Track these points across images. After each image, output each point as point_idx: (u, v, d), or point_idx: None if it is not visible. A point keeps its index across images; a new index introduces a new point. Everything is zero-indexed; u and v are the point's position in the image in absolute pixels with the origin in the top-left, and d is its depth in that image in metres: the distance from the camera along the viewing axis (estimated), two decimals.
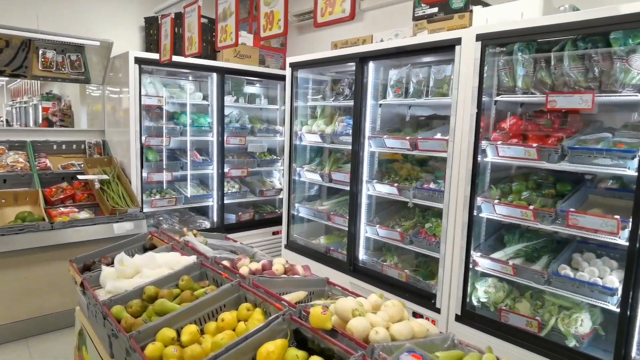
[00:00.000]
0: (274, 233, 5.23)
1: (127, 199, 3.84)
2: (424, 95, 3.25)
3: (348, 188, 3.76)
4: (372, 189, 3.54)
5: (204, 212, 4.94)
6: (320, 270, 3.89)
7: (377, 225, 3.48)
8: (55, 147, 4.28)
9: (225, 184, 4.79)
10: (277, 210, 5.40)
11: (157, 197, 4.41)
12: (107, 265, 2.28)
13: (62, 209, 3.60)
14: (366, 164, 3.59)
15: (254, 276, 1.92)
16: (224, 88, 4.60)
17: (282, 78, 5.03)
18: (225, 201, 4.78)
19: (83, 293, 2.13)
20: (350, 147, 3.69)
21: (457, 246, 2.85)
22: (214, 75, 4.57)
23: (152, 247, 2.57)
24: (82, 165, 4.09)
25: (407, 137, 3.22)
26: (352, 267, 3.67)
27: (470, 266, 2.83)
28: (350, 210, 3.64)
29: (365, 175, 3.59)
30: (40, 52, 4.41)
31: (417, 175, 3.46)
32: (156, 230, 4.30)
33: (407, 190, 3.25)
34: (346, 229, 3.80)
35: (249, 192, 5.08)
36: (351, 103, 3.75)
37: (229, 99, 4.72)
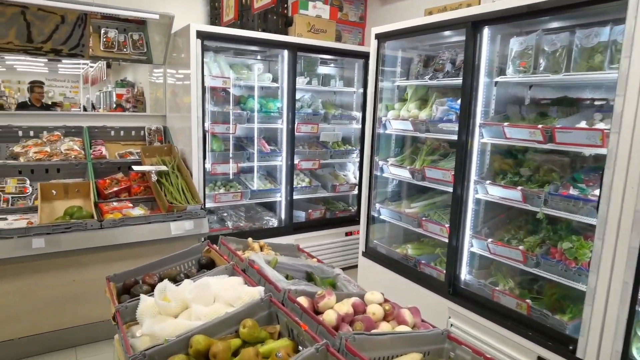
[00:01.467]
0: (347, 234, 4.59)
1: (187, 193, 3.36)
2: (562, 70, 2.41)
3: (445, 188, 3.01)
4: (483, 191, 2.77)
5: (270, 207, 4.40)
6: (408, 291, 3.19)
7: (489, 240, 2.71)
8: (113, 133, 3.91)
9: (294, 177, 4.21)
10: (350, 207, 4.75)
11: (222, 190, 3.92)
12: (152, 286, 1.74)
13: (115, 204, 3.19)
14: (475, 160, 2.81)
15: (347, 334, 1.27)
16: (296, 68, 3.98)
17: (362, 56, 4.35)
18: (294, 196, 4.20)
19: (117, 327, 1.61)
20: (451, 137, 2.94)
21: (618, 280, 2.03)
22: (285, 52, 3.97)
23: (210, 264, 2.01)
24: (140, 154, 3.67)
25: (540, 126, 2.40)
26: (451, 289, 2.93)
27: (638, 309, 2.01)
28: (453, 218, 2.89)
29: (473, 174, 2.82)
30: (102, 31, 4.04)
31: (544, 178, 2.63)
32: (219, 228, 3.86)
33: (536, 196, 2.45)
34: (440, 238, 3.07)
35: (320, 187, 4.46)
36: (453, 82, 2.99)
37: (300, 81, 4.10)
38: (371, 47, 3.46)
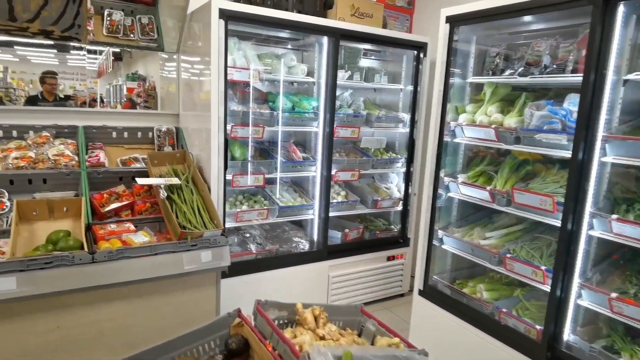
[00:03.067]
0: (389, 258, 3.88)
1: (204, 213, 2.67)
2: None
3: (539, 218, 2.30)
4: (603, 228, 2.04)
5: (299, 224, 3.70)
6: (485, 349, 2.47)
7: (614, 295, 1.99)
8: (115, 134, 3.22)
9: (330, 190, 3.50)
10: (392, 226, 4.03)
11: (244, 207, 3.22)
12: None
13: (113, 227, 2.51)
14: (592, 185, 2.08)
15: None
16: (338, 59, 3.26)
17: (414, 46, 3.62)
18: (330, 213, 3.50)
19: None
20: (552, 152, 2.23)
21: None
22: (324, 40, 3.26)
23: (242, 348, 1.31)
24: (146, 162, 2.99)
25: None
26: (550, 354, 2.21)
27: None
28: (559, 261, 2.17)
29: (589, 204, 2.09)
30: (106, 12, 3.37)
31: None
32: (240, 252, 3.13)
33: None
34: (529, 281, 2.35)
35: (359, 202, 3.75)
36: (557, 80, 2.26)
37: (340, 75, 3.38)
38: (440, 32, 2.73)
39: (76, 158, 2.86)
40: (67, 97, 5.92)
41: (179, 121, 3.52)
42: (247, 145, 3.20)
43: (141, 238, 2.44)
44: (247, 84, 3.15)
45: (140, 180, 2.63)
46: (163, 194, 2.59)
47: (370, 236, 3.82)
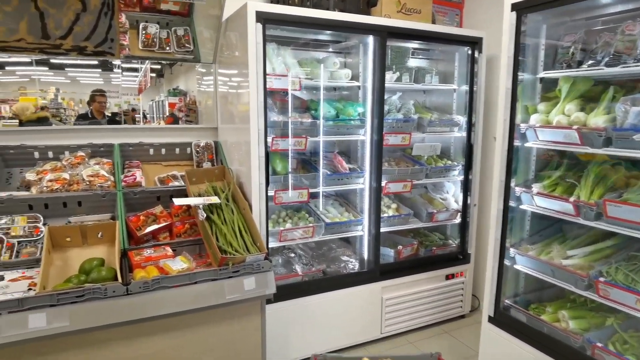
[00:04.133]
0: (448, 277, 3.52)
1: (246, 235, 2.44)
2: None
3: (638, 234, 1.91)
4: None
5: (347, 242, 3.42)
6: None
7: None
8: (152, 151, 3.07)
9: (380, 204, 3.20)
10: (449, 241, 3.67)
11: (288, 225, 2.97)
12: None
13: (150, 252, 2.32)
14: None
15: None
16: (385, 60, 2.98)
17: (467, 43, 3.29)
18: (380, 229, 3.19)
19: None
20: None
21: None
22: (370, 40, 2.98)
23: None
24: (183, 179, 2.81)
25: None
26: None
27: None
28: None
29: None
30: (141, 26, 3.25)
31: None
32: (285, 274, 2.89)
33: None
34: (631, 311, 1.95)
35: (412, 215, 3.42)
36: None
37: (387, 77, 3.08)
38: (505, 23, 2.39)
39: (112, 178, 2.72)
40: (114, 115, 5.94)
41: (217, 135, 3.33)
42: (289, 158, 2.95)
43: (179, 264, 2.23)
44: (286, 92, 2.92)
45: (177, 201, 2.44)
46: (202, 214, 2.38)
47: (425, 253, 3.48)
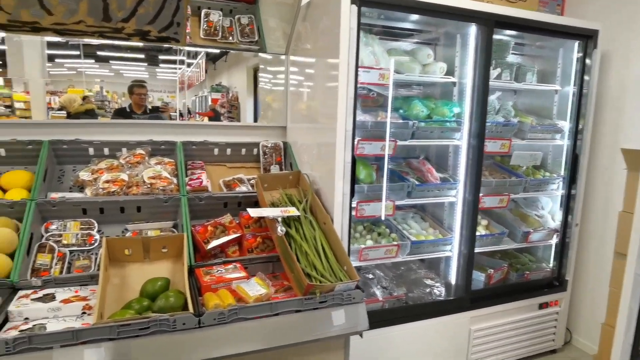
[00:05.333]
0: (542, 306, 3.03)
1: (330, 255, 2.05)
2: None
3: None
4: None
5: (430, 265, 2.98)
6: None
7: None
8: (217, 151, 2.72)
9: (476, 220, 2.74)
10: (543, 264, 3.18)
11: (369, 242, 2.57)
12: None
13: (221, 271, 1.95)
14: None
15: None
16: (491, 54, 2.53)
17: (577, 36, 2.80)
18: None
19: None
20: None
21: None
22: (471, 30, 2.55)
23: None
24: (255, 185, 2.44)
25: None
26: None
27: None
28: None
29: None
30: (203, 13, 2.93)
31: None
32: (365, 297, 2.34)
33: None
34: None
35: (506, 234, 2.95)
36: None
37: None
38: None
39: (174, 181, 2.38)
40: (156, 109, 5.59)
41: (285, 135, 2.96)
42: (374, 164, 2.54)
43: (256, 289, 1.85)
44: (370, 88, 2.51)
45: (253, 212, 2.06)
46: (281, 230, 2.00)
47: (517, 277, 3.00)
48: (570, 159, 2.98)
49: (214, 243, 2.13)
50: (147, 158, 2.49)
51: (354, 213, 2.38)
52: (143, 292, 1.80)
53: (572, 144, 2.97)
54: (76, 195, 2.28)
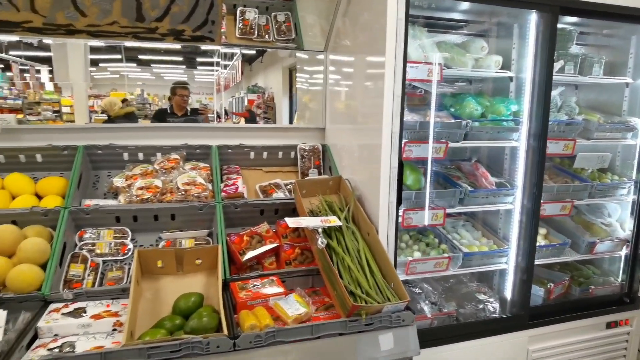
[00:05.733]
0: (610, 325, 2.72)
1: (376, 270, 1.86)
2: None
3: None
4: None
5: (482, 279, 2.73)
6: None
7: None
8: (253, 155, 2.60)
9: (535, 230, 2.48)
10: (610, 278, 2.87)
11: (417, 253, 2.36)
12: None
13: (257, 285, 1.81)
14: None
15: None
16: (554, 44, 2.26)
17: None
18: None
19: None
20: None
21: None
22: (531, 17, 2.29)
23: None
24: (292, 191, 2.29)
25: None
26: None
27: None
28: None
29: None
30: (239, 11, 2.81)
31: None
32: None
33: None
34: None
35: (569, 244, 2.66)
36: None
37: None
38: None
39: (209, 187, 2.26)
40: (196, 111, 5.56)
41: (324, 137, 2.80)
42: (423, 169, 2.34)
43: (295, 307, 1.70)
44: (421, 85, 2.30)
45: (291, 222, 1.91)
46: (322, 242, 1.83)
47: (580, 292, 2.71)
48: None
49: (250, 254, 1.99)
50: (181, 163, 2.39)
51: (399, 221, 2.18)
52: (176, 308, 1.68)
53: None
54: (110, 202, 2.21)
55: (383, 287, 1.80)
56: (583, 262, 2.94)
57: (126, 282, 1.90)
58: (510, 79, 2.47)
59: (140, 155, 2.46)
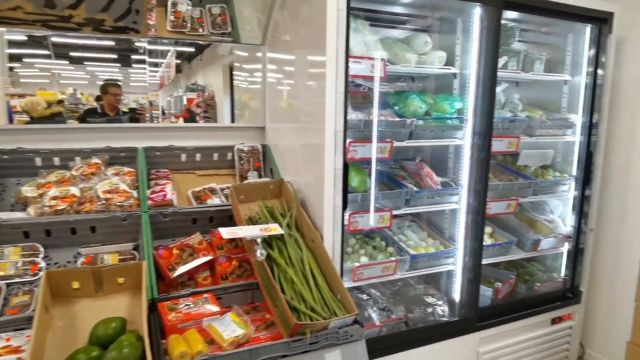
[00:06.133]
0: (555, 321, 2.75)
1: (321, 282, 1.73)
2: None
3: None
4: None
5: (430, 280, 2.67)
6: None
7: None
8: (184, 157, 2.38)
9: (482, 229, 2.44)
10: (554, 274, 2.91)
11: (364, 258, 2.25)
12: None
13: (190, 305, 1.62)
14: None
15: None
16: (499, 40, 2.22)
17: (591, 19, 2.53)
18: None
19: None
20: None
21: None
22: (475, 11, 2.24)
23: None
24: (229, 196, 2.11)
25: None
26: None
27: None
28: None
29: None
30: (170, 2, 2.58)
31: None
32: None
33: None
34: None
35: (514, 243, 2.66)
36: None
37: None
38: None
39: (134, 194, 2.03)
40: (133, 110, 5.12)
41: (264, 137, 2.63)
42: (366, 170, 2.22)
43: (232, 328, 1.52)
44: (365, 81, 2.19)
45: (226, 234, 1.72)
46: (261, 253, 1.67)
47: (527, 290, 2.72)
48: (583, 157, 2.70)
49: (181, 270, 1.79)
50: (103, 168, 2.14)
51: (345, 225, 2.06)
52: (93, 337, 1.46)
53: (586, 140, 2.68)
54: (17, 215, 1.92)
55: (329, 300, 1.67)
56: (528, 259, 2.96)
57: (34, 309, 1.64)
58: (454, 75, 2.41)
59: (56, 161, 2.18)
